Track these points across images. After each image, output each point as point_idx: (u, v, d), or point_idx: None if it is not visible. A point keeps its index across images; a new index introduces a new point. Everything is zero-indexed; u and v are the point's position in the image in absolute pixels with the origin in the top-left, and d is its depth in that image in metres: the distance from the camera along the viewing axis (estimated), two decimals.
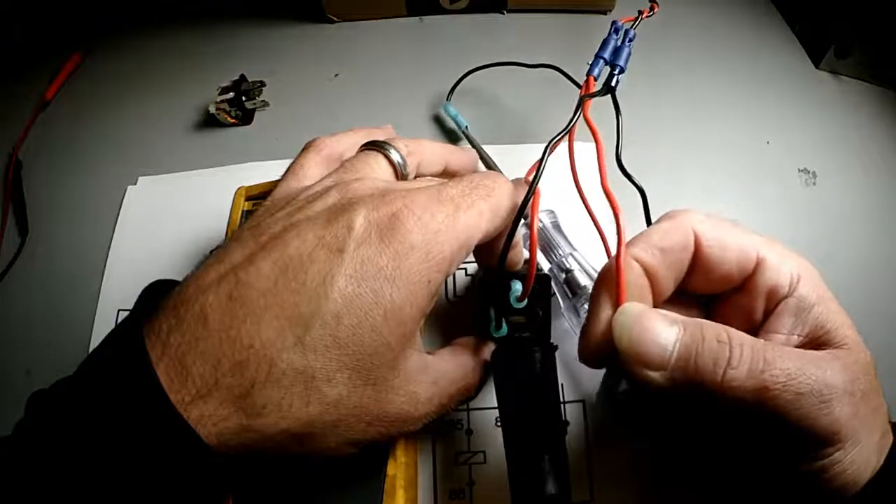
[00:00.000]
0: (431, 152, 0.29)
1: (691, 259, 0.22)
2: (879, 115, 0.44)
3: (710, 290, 0.23)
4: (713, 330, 0.19)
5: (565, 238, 0.34)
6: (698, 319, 0.19)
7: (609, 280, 0.21)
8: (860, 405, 0.18)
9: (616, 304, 0.20)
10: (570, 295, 0.31)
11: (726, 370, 0.18)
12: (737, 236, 0.22)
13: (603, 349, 0.20)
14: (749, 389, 0.18)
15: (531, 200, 0.24)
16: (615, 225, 0.22)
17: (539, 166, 0.24)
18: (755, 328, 0.22)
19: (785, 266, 0.21)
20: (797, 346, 0.20)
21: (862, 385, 0.19)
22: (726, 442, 0.21)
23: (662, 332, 0.19)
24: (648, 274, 0.22)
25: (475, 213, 0.23)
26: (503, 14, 0.49)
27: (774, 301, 0.21)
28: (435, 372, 0.24)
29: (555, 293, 0.31)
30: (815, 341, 0.20)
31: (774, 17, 0.50)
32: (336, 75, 0.46)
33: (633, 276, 0.21)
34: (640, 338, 0.19)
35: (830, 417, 0.18)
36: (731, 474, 0.22)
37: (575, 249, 0.33)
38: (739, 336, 0.19)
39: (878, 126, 0.44)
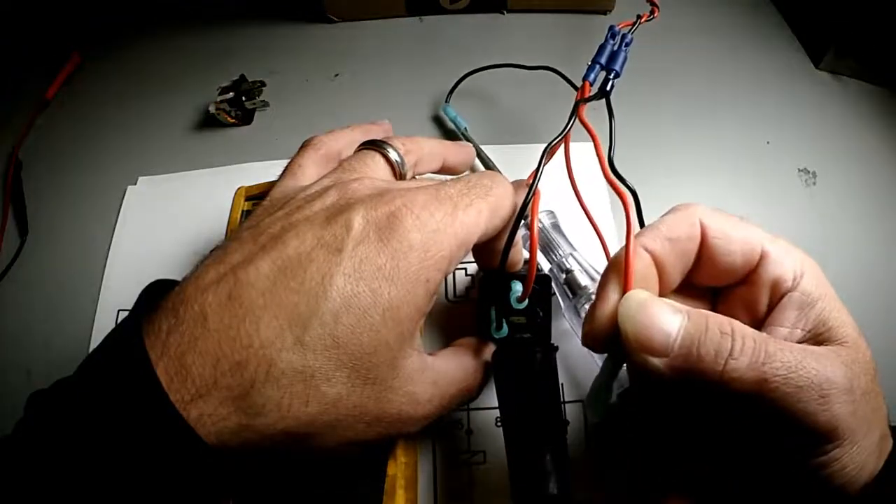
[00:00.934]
0: (429, 150, 0.29)
1: (697, 250, 0.22)
2: (879, 115, 0.44)
3: (715, 283, 0.23)
4: (717, 320, 0.19)
5: (565, 238, 0.34)
6: (703, 310, 0.20)
7: (618, 267, 0.21)
8: (859, 403, 0.18)
9: (623, 290, 0.20)
10: (570, 295, 0.31)
11: (728, 361, 0.18)
12: (742, 229, 0.22)
13: (607, 333, 0.20)
14: (750, 381, 0.18)
15: (531, 201, 0.24)
16: (624, 214, 0.22)
17: (538, 169, 0.24)
18: (759, 321, 0.22)
19: (789, 260, 0.21)
20: (799, 341, 0.20)
21: (862, 384, 0.18)
22: (724, 439, 0.21)
23: (667, 319, 0.19)
24: (656, 263, 0.22)
25: (474, 211, 0.23)
26: (503, 14, 0.49)
27: (778, 295, 0.21)
28: (435, 373, 0.24)
29: (555, 293, 0.31)
30: (817, 337, 0.20)
31: (774, 17, 0.50)
32: (336, 75, 0.46)
33: (641, 264, 0.21)
34: (645, 324, 0.19)
35: (829, 413, 0.17)
36: (730, 476, 0.22)
37: (575, 250, 0.33)
38: (742, 328, 0.19)
39: (878, 126, 0.44)
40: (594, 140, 0.25)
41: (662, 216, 0.23)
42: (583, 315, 0.31)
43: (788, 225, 0.39)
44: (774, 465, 0.19)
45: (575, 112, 0.27)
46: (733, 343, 0.18)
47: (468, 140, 0.40)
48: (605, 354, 0.22)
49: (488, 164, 0.39)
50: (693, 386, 0.19)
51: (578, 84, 0.29)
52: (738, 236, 0.22)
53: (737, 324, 0.19)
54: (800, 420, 0.18)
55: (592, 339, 0.21)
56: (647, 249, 0.22)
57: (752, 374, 0.18)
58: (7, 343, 0.36)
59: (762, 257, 0.22)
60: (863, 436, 0.18)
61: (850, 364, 0.19)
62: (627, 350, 0.19)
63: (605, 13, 0.49)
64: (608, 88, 0.29)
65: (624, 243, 0.21)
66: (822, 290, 0.21)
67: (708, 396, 0.19)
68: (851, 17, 0.44)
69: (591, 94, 0.28)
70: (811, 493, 0.19)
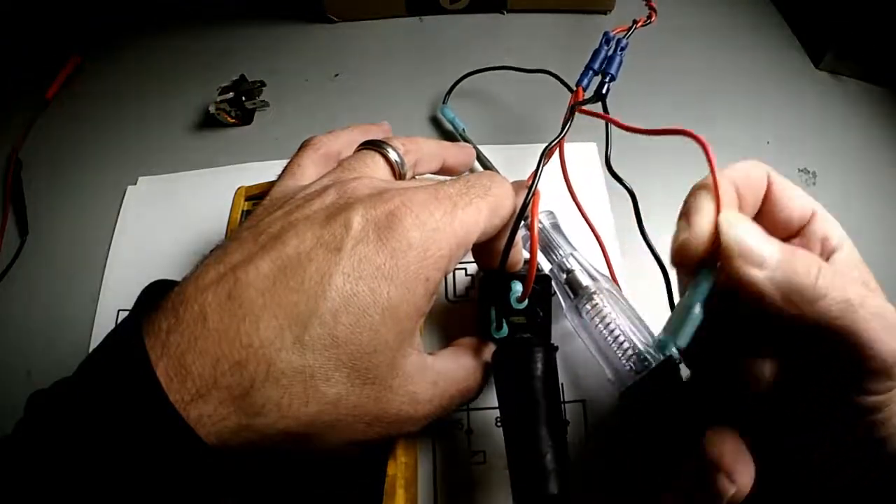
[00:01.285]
0: (428, 150, 0.29)
1: (763, 198, 0.23)
2: (879, 115, 0.44)
3: (772, 233, 0.23)
4: (802, 251, 0.19)
5: (565, 238, 0.34)
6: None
7: (707, 188, 0.21)
8: None
9: (716, 208, 0.21)
10: (571, 295, 0.31)
11: (819, 278, 0.18)
12: (798, 190, 0.23)
13: (703, 248, 0.20)
14: (837, 300, 0.18)
15: (531, 202, 0.24)
16: (699, 146, 0.23)
17: (537, 170, 0.24)
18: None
19: (835, 226, 0.23)
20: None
21: None
22: (778, 388, 0.21)
23: (764, 237, 0.19)
24: (738, 196, 0.22)
25: (473, 211, 0.23)
26: (503, 14, 0.50)
27: (826, 253, 0.22)
28: (435, 373, 0.24)
29: (555, 293, 0.31)
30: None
31: (774, 17, 0.50)
32: (336, 75, 0.46)
33: (727, 195, 0.21)
34: (748, 235, 0.19)
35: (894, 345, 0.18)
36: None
37: (575, 249, 0.33)
38: (822, 261, 0.19)
39: (878, 126, 0.44)
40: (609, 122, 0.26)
41: (733, 165, 0.24)
42: (584, 315, 0.31)
43: None
44: (828, 398, 0.19)
45: (571, 116, 0.27)
46: (821, 266, 0.19)
47: (466, 141, 0.40)
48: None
49: (486, 165, 0.39)
50: (782, 307, 0.19)
51: (574, 87, 0.29)
52: (796, 193, 0.23)
53: (816, 256, 0.20)
54: (871, 346, 0.18)
55: (686, 254, 0.20)
56: (731, 181, 0.22)
57: (838, 293, 0.18)
58: (7, 343, 0.36)
59: (813, 214, 0.23)
60: None
61: None
62: (729, 263, 0.19)
63: (605, 13, 0.49)
64: (604, 91, 0.29)
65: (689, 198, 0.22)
66: (857, 266, 0.23)
67: (783, 326, 0.19)
68: (851, 17, 0.44)
69: (587, 97, 0.29)
70: (858, 443, 0.19)
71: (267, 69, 0.46)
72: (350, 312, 0.20)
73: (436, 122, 0.43)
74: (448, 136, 0.42)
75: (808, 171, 0.41)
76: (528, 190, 0.24)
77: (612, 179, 0.31)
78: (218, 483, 0.20)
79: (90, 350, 0.24)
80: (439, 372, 0.25)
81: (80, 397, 0.19)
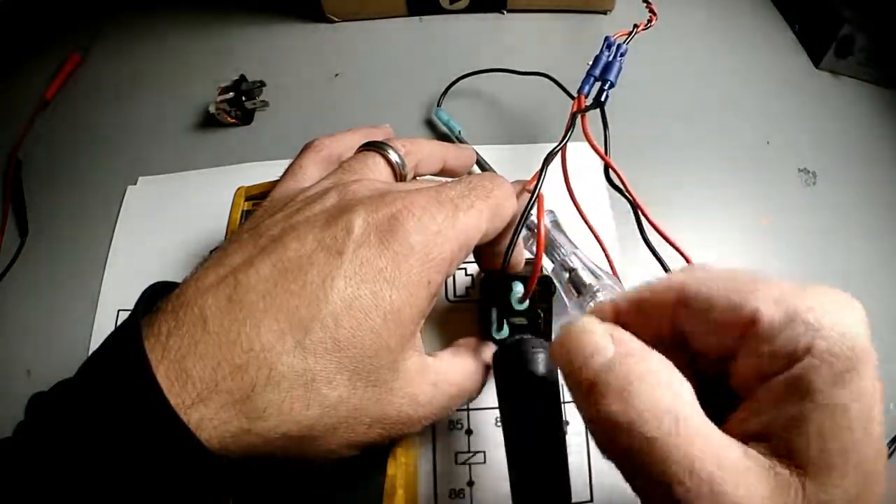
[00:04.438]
0: (429, 152, 0.29)
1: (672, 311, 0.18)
2: (879, 115, 0.44)
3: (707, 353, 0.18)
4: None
5: (566, 237, 0.34)
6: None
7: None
8: None
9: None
10: (575, 293, 0.32)
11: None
12: (734, 283, 0.17)
13: None
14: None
15: (534, 205, 0.24)
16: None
17: (539, 176, 0.25)
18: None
19: (793, 336, 0.15)
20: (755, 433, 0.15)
21: None
22: None
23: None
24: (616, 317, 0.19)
25: (474, 213, 0.23)
26: (503, 14, 0.49)
27: (760, 376, 0.16)
28: (435, 374, 0.24)
29: (555, 292, 0.31)
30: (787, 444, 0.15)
31: (774, 17, 0.50)
32: (336, 75, 0.46)
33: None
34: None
35: None
36: None
37: (577, 248, 0.33)
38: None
39: (878, 126, 0.44)
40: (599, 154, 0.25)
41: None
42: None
43: (789, 225, 0.39)
44: None
45: (572, 124, 0.28)
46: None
47: (463, 143, 0.40)
48: None
49: (484, 166, 0.39)
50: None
51: (571, 90, 0.30)
52: (720, 294, 0.16)
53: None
54: None
55: None
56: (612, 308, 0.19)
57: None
58: (7, 343, 0.36)
59: (753, 322, 0.16)
60: None
61: None
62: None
63: (604, 13, 0.49)
64: (603, 99, 0.29)
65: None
66: (833, 381, 0.14)
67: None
68: (851, 18, 0.44)
69: (587, 104, 0.29)
70: None
71: (267, 69, 0.46)
72: (352, 316, 0.20)
73: (436, 123, 0.43)
74: (446, 139, 0.42)
75: (808, 171, 0.41)
76: (532, 194, 0.24)
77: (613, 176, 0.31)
78: (219, 486, 0.20)
79: (90, 350, 0.24)
80: (440, 373, 0.25)
81: (81, 400, 0.19)
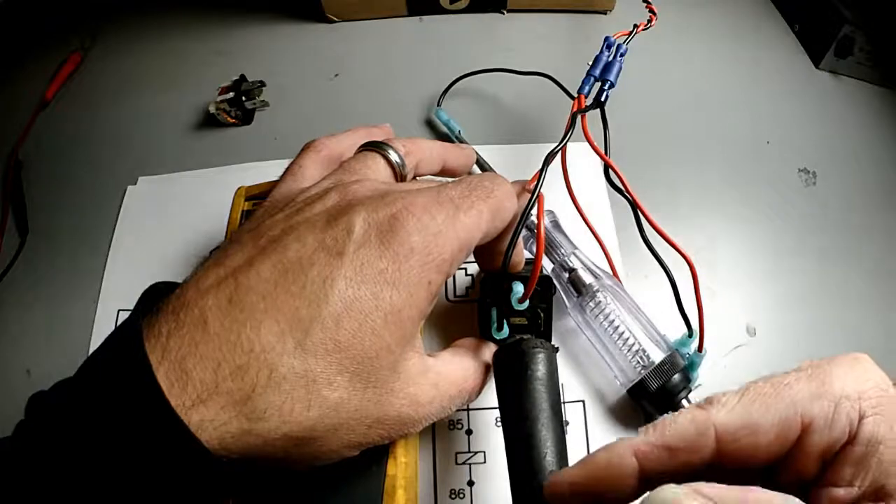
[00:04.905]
0: (429, 152, 0.29)
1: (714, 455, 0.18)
2: (879, 115, 0.44)
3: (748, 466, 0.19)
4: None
5: (566, 237, 0.34)
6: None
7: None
8: None
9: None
10: (575, 293, 0.32)
11: None
12: (772, 407, 0.18)
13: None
14: None
15: (534, 205, 0.24)
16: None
17: (539, 176, 0.25)
18: (809, 482, 0.18)
19: (841, 413, 0.17)
20: (854, 501, 0.17)
21: None
22: None
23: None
24: (642, 468, 0.19)
25: (475, 213, 0.23)
26: (503, 14, 0.49)
27: (830, 455, 0.18)
28: (436, 374, 0.24)
29: (555, 292, 0.31)
30: (879, 492, 0.17)
31: (774, 17, 0.50)
32: (336, 75, 0.46)
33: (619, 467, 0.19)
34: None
35: None
36: None
37: (576, 248, 0.33)
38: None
39: (878, 126, 0.44)
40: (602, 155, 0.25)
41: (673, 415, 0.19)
42: (588, 312, 0.31)
43: (789, 225, 0.39)
44: None
45: (572, 124, 0.28)
46: None
47: (463, 143, 0.40)
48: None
49: (483, 166, 0.39)
50: None
51: (571, 90, 0.30)
52: (766, 422, 0.17)
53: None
54: None
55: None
56: (635, 451, 0.19)
57: None
58: (7, 343, 0.36)
59: (804, 430, 0.17)
60: None
61: None
62: None
63: (605, 13, 0.49)
64: (603, 99, 0.29)
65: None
66: (889, 429, 0.17)
67: None
68: (851, 18, 0.44)
69: (587, 104, 0.29)
70: None
71: (267, 69, 0.46)
72: (352, 317, 0.20)
73: (435, 123, 0.43)
74: (446, 138, 0.42)
75: (808, 171, 0.41)
76: (532, 194, 0.24)
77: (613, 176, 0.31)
78: (219, 487, 0.20)
79: (90, 350, 0.24)
80: (440, 373, 0.25)
81: (81, 401, 0.19)
